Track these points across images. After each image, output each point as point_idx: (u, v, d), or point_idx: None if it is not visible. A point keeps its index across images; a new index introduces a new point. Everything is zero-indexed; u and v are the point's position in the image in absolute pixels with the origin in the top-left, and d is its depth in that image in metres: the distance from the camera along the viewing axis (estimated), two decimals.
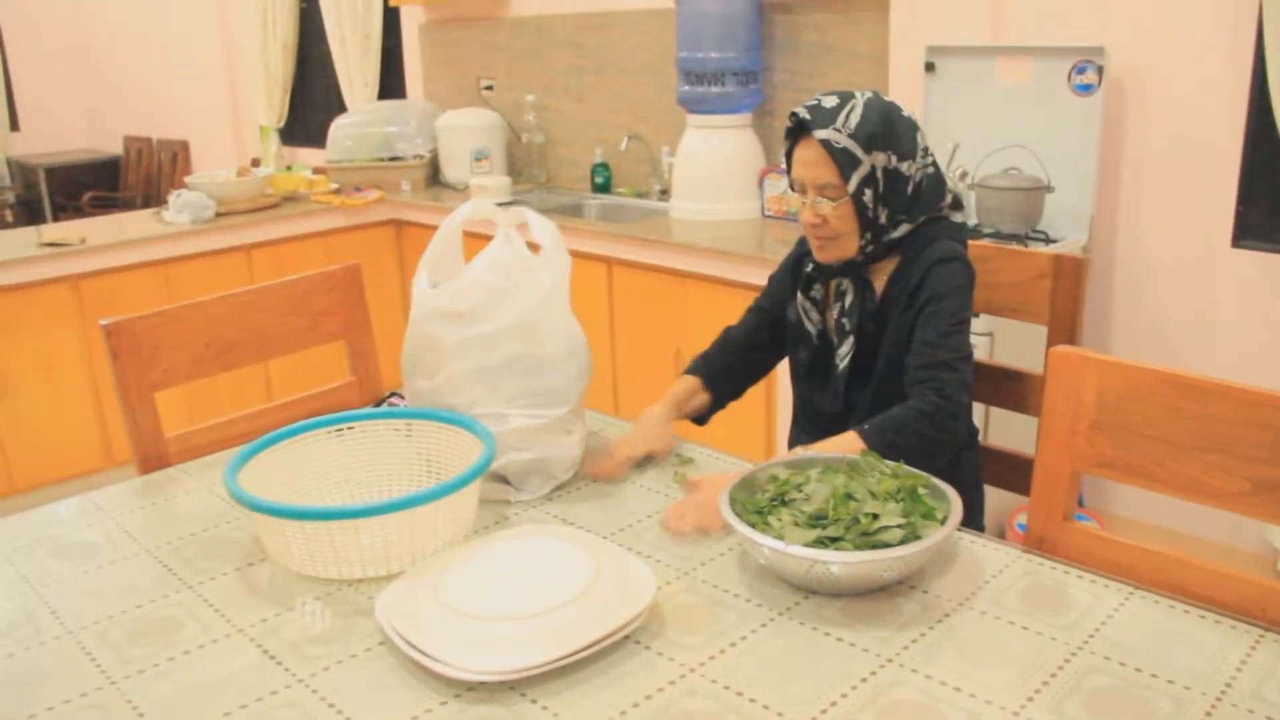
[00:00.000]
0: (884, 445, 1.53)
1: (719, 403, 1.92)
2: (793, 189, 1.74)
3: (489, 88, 4.74)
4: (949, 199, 1.75)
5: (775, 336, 1.91)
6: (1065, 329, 1.83)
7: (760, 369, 1.96)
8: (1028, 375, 1.87)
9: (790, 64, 3.68)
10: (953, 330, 1.64)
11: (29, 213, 7.08)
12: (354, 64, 5.33)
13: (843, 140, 1.63)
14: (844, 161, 1.64)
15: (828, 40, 3.55)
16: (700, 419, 1.92)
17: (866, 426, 1.58)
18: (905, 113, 1.70)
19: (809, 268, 1.79)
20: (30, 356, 3.60)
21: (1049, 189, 2.92)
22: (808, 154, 1.67)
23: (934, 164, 1.73)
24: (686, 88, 3.61)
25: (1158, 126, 2.90)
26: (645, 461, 1.70)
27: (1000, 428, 2.65)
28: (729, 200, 3.63)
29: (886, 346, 1.72)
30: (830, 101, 1.67)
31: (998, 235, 2.93)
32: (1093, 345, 3.07)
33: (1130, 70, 2.90)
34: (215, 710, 1.12)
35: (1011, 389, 1.90)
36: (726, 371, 1.92)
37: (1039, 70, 2.97)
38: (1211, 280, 2.88)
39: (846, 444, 1.56)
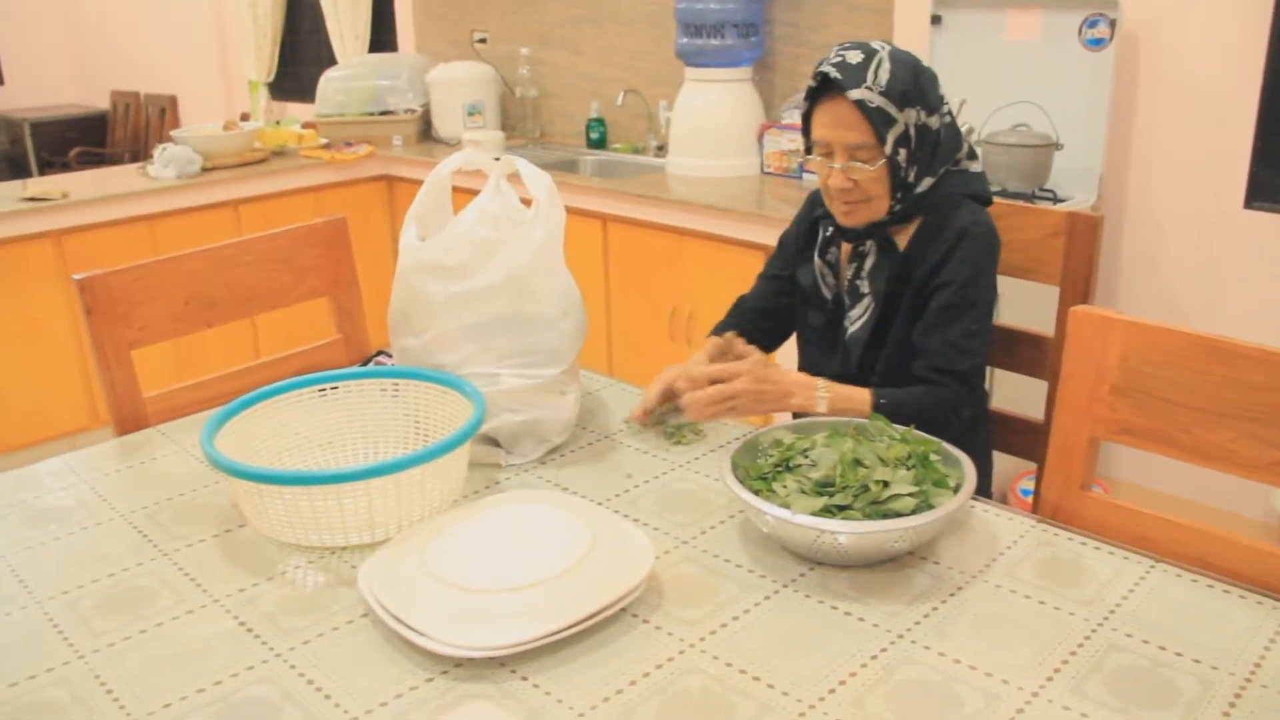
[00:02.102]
0: (896, 416, 1.46)
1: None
2: (809, 151, 1.65)
3: (482, 40, 4.63)
4: (965, 148, 1.67)
5: (791, 304, 1.84)
6: (1078, 289, 1.76)
7: (778, 337, 1.90)
8: (1039, 338, 1.81)
9: (792, 16, 3.58)
10: (975, 330, 1.59)
11: (14, 169, 6.95)
12: (344, 16, 5.21)
13: (876, 99, 1.54)
14: (879, 121, 1.55)
15: None
16: None
17: (884, 400, 1.53)
18: (924, 63, 1.62)
19: (828, 231, 1.72)
20: (12, 313, 3.52)
21: (1057, 146, 2.84)
22: (837, 114, 1.57)
23: (950, 113, 1.65)
24: (685, 40, 3.51)
25: (1171, 83, 2.82)
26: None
27: (1000, 390, 2.59)
28: (728, 156, 3.54)
29: (903, 314, 1.65)
30: (855, 57, 1.57)
31: (1004, 193, 2.85)
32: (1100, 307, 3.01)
33: (1143, 24, 2.81)
34: (188, 686, 1.06)
35: (1022, 352, 1.83)
36: (748, 340, 1.85)
37: (1049, 24, 2.88)
38: (1223, 241, 2.81)
39: (858, 398, 1.54)
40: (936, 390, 1.58)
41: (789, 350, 2.79)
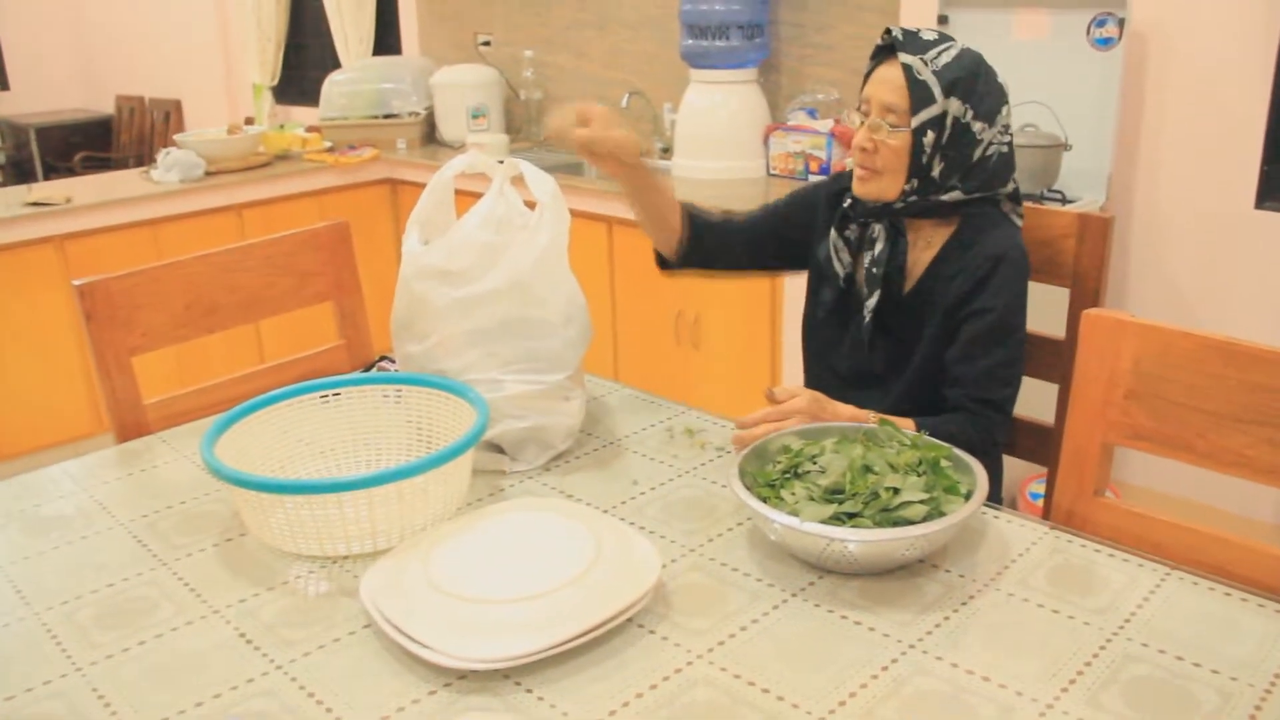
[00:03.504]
0: None
1: (688, 255, 1.83)
2: (859, 109, 1.65)
3: (486, 43, 4.62)
4: (1010, 187, 1.65)
5: (773, 244, 1.83)
6: (1089, 291, 1.74)
7: (736, 260, 1.86)
8: (1049, 340, 1.78)
9: (797, 17, 3.56)
10: (1013, 358, 1.58)
11: (19, 173, 6.95)
12: (348, 19, 5.20)
13: (925, 73, 1.55)
14: (918, 93, 1.55)
15: None
16: (666, 260, 1.85)
17: (927, 432, 1.48)
18: (999, 79, 1.61)
19: (847, 203, 1.70)
20: (15, 319, 3.51)
21: (1066, 147, 2.82)
22: (886, 74, 1.59)
23: (1010, 145, 1.63)
24: (690, 42, 3.49)
25: (1180, 82, 2.79)
26: (648, 428, 1.62)
27: None
28: (733, 158, 3.52)
29: (931, 335, 1.62)
30: (930, 35, 1.59)
31: None
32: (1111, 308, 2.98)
33: (1153, 23, 2.79)
34: (187, 699, 1.04)
35: (1032, 354, 1.79)
36: (712, 231, 1.83)
37: (1057, 23, 2.86)
38: (1233, 243, 2.79)
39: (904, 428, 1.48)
40: (976, 420, 1.56)
41: (788, 355, 2.75)
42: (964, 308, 1.59)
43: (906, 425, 1.49)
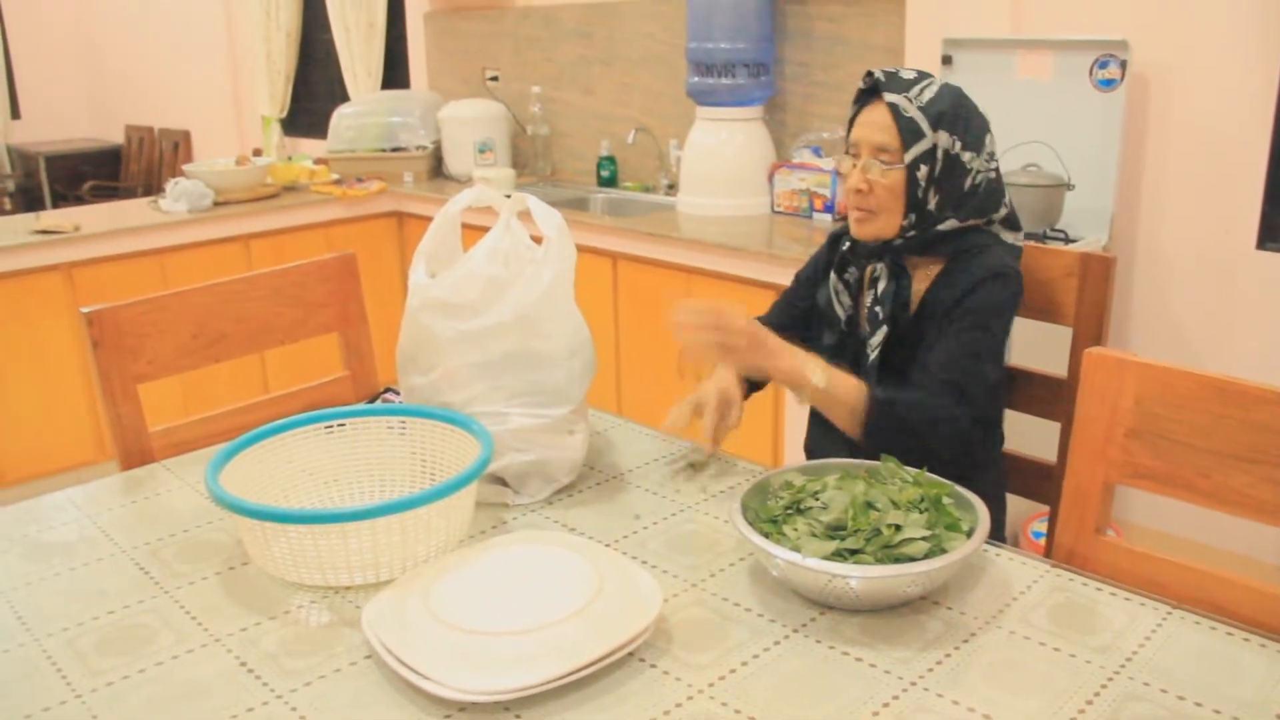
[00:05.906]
0: (891, 416, 1.51)
1: (748, 394, 1.89)
2: (848, 153, 1.68)
3: (494, 78, 4.66)
4: (1003, 212, 1.67)
5: (803, 333, 1.84)
6: (1092, 330, 1.75)
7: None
8: (1052, 379, 1.79)
9: (803, 56, 3.59)
10: (980, 352, 1.58)
11: (28, 201, 7.00)
12: (357, 53, 5.25)
13: (911, 110, 1.59)
14: (907, 130, 1.58)
15: (842, 32, 3.47)
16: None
17: (882, 396, 1.52)
18: (980, 109, 1.65)
19: (845, 246, 1.72)
20: (21, 346, 3.52)
21: (1069, 186, 2.83)
22: (872, 116, 1.63)
23: (997, 171, 1.66)
24: (696, 79, 3.53)
25: (1182, 123, 2.81)
26: (651, 463, 1.62)
27: (1011, 431, 2.56)
28: (738, 195, 3.54)
29: (922, 355, 1.63)
30: (909, 74, 1.63)
31: None
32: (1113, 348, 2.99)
33: (1154, 65, 2.81)
34: None
35: (1035, 393, 1.81)
36: None
37: (1059, 64, 2.89)
38: (1234, 283, 2.80)
39: (853, 383, 1.54)
40: (932, 399, 1.55)
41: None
42: (950, 313, 1.61)
43: (857, 383, 1.54)
